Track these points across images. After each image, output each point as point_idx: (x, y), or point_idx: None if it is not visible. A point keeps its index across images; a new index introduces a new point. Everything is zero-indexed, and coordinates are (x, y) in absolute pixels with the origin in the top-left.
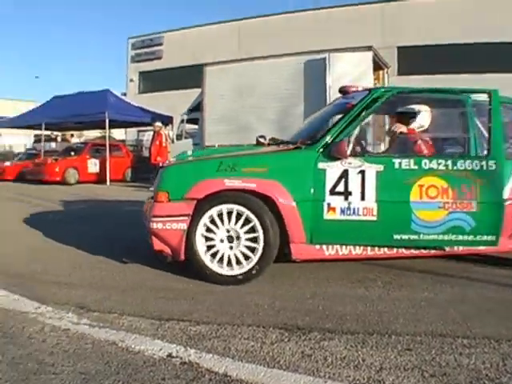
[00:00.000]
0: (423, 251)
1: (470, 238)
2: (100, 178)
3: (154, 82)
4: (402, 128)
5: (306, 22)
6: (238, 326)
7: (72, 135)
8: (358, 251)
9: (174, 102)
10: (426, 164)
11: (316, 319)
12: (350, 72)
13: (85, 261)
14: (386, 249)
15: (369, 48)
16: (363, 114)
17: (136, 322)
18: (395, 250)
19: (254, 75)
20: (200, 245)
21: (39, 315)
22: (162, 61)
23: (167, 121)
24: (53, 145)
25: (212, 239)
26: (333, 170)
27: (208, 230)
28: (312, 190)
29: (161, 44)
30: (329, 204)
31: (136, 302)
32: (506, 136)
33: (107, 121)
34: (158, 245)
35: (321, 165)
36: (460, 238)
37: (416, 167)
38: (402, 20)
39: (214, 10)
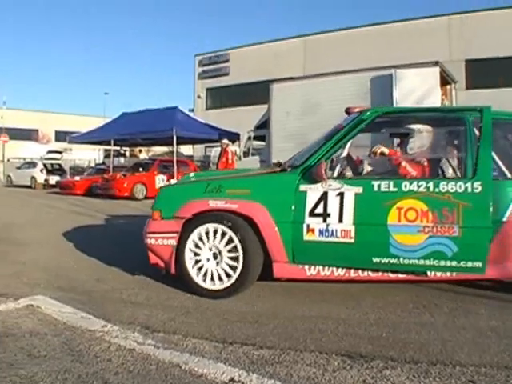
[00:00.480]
0: (411, 276)
1: (453, 263)
2: None
3: (220, 98)
4: (383, 149)
5: (372, 36)
6: (301, 351)
7: (140, 151)
8: (340, 272)
9: (241, 118)
10: (405, 186)
11: (379, 347)
12: (417, 88)
13: (151, 279)
14: (370, 272)
15: (435, 63)
16: (347, 136)
17: (200, 344)
18: (380, 272)
19: (320, 92)
20: (187, 260)
21: (105, 334)
22: (229, 77)
23: (234, 137)
24: (122, 160)
25: (198, 255)
26: (313, 192)
27: (195, 246)
28: (292, 212)
29: (227, 61)
30: (308, 225)
31: (200, 324)
32: (506, 155)
33: (175, 137)
34: (153, 258)
35: (302, 187)
36: (442, 263)
37: (395, 189)
38: (469, 32)
39: (279, 27)
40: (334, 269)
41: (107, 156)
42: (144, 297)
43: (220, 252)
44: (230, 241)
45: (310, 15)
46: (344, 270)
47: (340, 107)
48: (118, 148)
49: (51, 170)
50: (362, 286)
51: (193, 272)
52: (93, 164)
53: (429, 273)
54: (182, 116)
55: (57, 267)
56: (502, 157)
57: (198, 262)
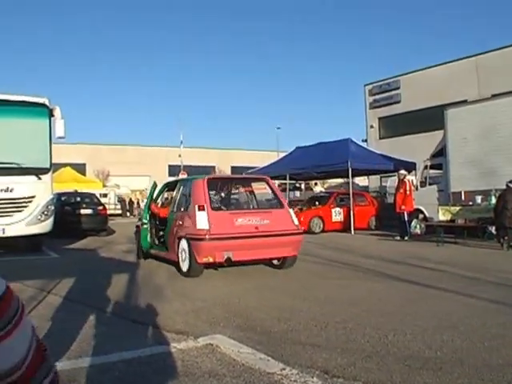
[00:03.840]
0: None
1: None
2: (344, 227)
3: (393, 126)
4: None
5: None
6: None
7: (316, 183)
8: None
9: (415, 146)
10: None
11: None
12: None
13: (331, 320)
14: None
15: None
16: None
17: None
18: None
19: (498, 114)
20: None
21: (284, 377)
22: (401, 104)
23: (410, 167)
24: (297, 193)
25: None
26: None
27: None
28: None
29: (398, 88)
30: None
31: (381, 370)
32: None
33: (350, 170)
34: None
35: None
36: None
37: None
38: None
39: (447, 48)
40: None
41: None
42: (323, 338)
43: None
44: None
45: (479, 33)
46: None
47: None
48: (294, 182)
49: None
50: None
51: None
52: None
53: None
54: (356, 147)
55: (237, 305)
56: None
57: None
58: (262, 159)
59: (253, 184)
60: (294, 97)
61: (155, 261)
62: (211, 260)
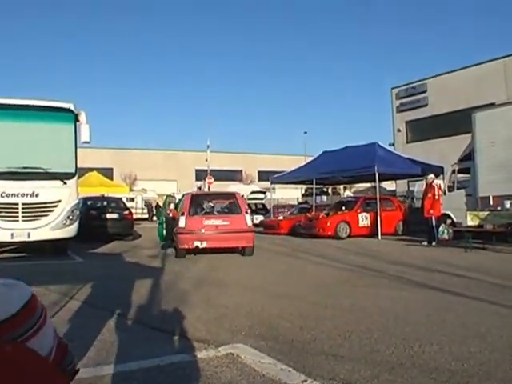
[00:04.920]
0: None
1: None
2: (371, 232)
3: (421, 130)
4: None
5: None
6: None
7: (345, 188)
8: None
9: (443, 150)
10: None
11: None
12: None
13: (355, 329)
14: None
15: None
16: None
17: None
18: None
19: None
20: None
21: None
22: (428, 108)
23: (438, 171)
24: (324, 198)
25: None
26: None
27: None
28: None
29: (425, 91)
30: None
31: (405, 383)
32: None
33: (377, 175)
34: None
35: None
36: None
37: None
38: None
39: (476, 51)
40: None
41: (306, 195)
42: (346, 349)
43: None
44: None
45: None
46: None
47: None
48: (321, 186)
49: (255, 210)
50: None
51: None
52: (295, 202)
53: None
54: (383, 152)
55: (260, 313)
56: None
57: None
58: (288, 163)
59: (226, 197)
60: (320, 101)
61: (180, 266)
62: (186, 247)
